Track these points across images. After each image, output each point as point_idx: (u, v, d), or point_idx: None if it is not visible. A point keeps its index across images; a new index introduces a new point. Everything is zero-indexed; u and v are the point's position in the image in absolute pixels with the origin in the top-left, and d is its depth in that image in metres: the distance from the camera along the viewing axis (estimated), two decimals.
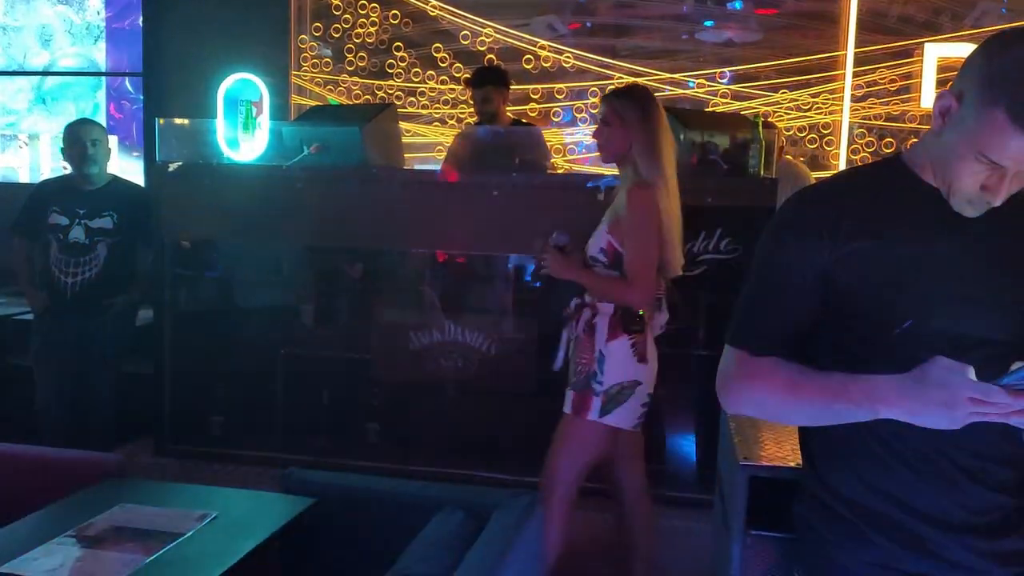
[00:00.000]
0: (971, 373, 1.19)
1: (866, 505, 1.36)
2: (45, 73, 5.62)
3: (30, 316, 4.14)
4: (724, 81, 5.26)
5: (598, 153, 2.75)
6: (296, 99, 5.41)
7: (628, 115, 2.62)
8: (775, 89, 5.17)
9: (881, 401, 1.25)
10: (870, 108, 5.06)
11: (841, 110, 5.07)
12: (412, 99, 5.56)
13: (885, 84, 5.03)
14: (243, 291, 4.09)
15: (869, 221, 1.35)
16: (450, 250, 3.77)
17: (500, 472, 3.48)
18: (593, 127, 2.76)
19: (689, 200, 2.79)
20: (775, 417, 1.45)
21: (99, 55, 5.55)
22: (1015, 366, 1.16)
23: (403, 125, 5.37)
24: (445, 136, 5.41)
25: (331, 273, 4.10)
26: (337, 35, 5.53)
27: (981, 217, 1.31)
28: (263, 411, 3.95)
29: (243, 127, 3.80)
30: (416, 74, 5.55)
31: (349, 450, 3.74)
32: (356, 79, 5.53)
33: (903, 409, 1.24)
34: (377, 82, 5.56)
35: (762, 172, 3.30)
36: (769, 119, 4.52)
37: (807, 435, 1.48)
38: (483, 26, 5.45)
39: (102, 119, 5.30)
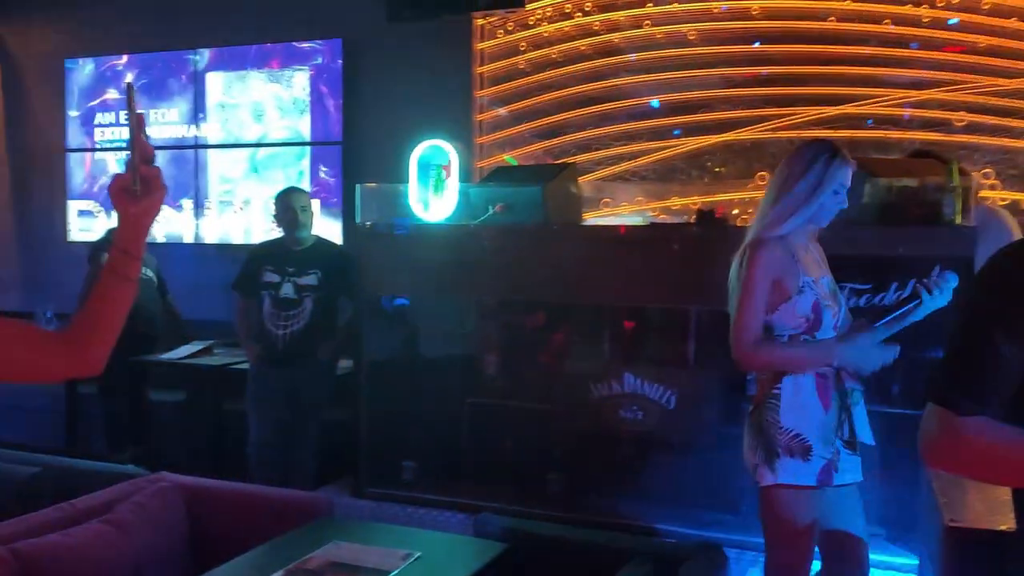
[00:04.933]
0: None
1: None
2: (258, 145, 6.22)
3: (246, 366, 4.56)
4: (906, 118, 5.09)
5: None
6: (480, 163, 5.71)
7: None
8: (969, 131, 4.95)
9: None
10: None
11: None
12: (588, 156, 5.72)
13: None
14: (433, 343, 4.33)
15: None
16: (629, 303, 3.85)
17: (681, 526, 3.47)
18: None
19: (878, 250, 2.73)
20: (981, 477, 1.42)
21: (303, 127, 6.08)
22: None
23: (582, 180, 5.54)
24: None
25: (514, 325, 4.27)
26: (519, 97, 5.79)
27: None
28: (451, 457, 4.14)
29: (434, 189, 4.07)
30: (594, 131, 5.71)
31: (531, 498, 3.84)
32: (536, 143, 5.77)
33: None
34: (556, 141, 5.77)
35: (959, 220, 3.17)
36: (963, 163, 4.31)
37: (1016, 495, 1.44)
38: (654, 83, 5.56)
39: (306, 185, 5.79)
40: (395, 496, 4.12)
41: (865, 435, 2.39)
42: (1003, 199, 4.78)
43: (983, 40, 4.94)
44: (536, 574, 2.54)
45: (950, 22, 5.04)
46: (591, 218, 5.53)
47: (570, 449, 3.95)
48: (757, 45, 5.53)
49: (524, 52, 5.77)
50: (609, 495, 3.77)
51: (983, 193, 4.55)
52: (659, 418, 3.72)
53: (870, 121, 5.20)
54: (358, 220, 4.22)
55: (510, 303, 4.18)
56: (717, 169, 5.55)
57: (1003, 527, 1.59)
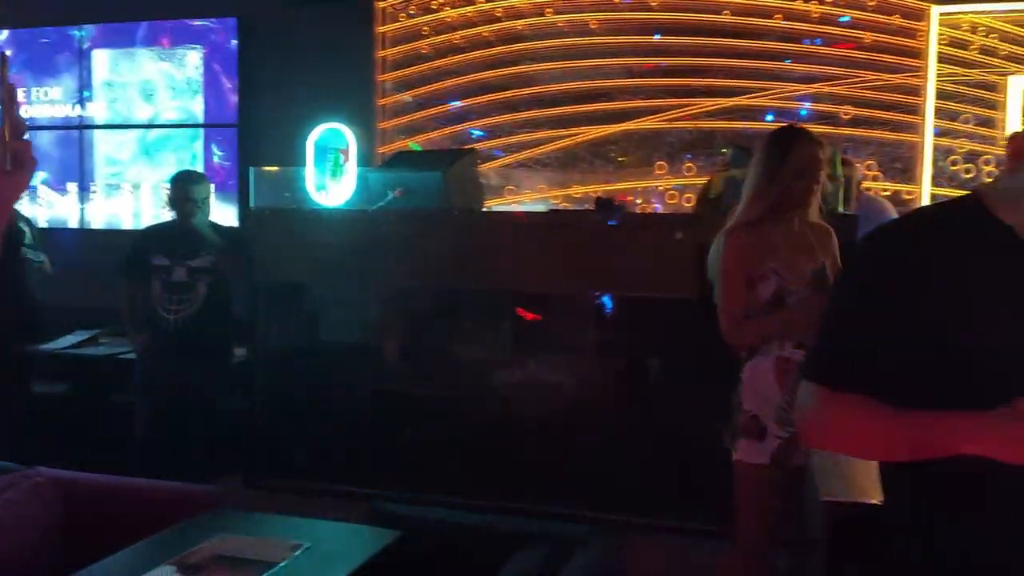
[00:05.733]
0: None
1: (942, 538, 1.37)
2: (148, 126, 5.97)
3: (131, 355, 4.38)
4: (802, 115, 5.26)
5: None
6: (382, 148, 5.62)
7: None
8: (854, 124, 5.15)
9: (962, 437, 1.27)
10: (952, 141, 4.99)
11: (922, 145, 5.01)
12: (493, 142, 5.71)
13: (968, 119, 4.96)
14: (332, 330, 4.25)
15: (946, 259, 1.36)
16: (530, 289, 3.85)
17: (582, 509, 3.50)
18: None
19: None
20: (854, 452, 1.46)
21: (197, 108, 5.87)
22: None
23: (486, 167, 5.53)
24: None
25: (415, 311, 4.23)
26: (422, 82, 5.73)
27: None
28: (350, 446, 4.07)
29: (332, 174, 3.98)
30: (497, 118, 5.70)
31: (433, 484, 3.81)
32: (440, 128, 5.72)
33: (983, 445, 1.25)
34: (460, 127, 5.73)
35: (841, 208, 3.29)
36: (847, 156, 4.48)
37: (888, 470, 1.49)
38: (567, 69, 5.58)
39: (200, 168, 5.59)
40: (291, 486, 4.03)
41: None
42: (885, 190, 5.00)
43: (868, 36, 5.15)
44: (431, 560, 2.52)
45: (841, 19, 5.22)
46: (495, 205, 5.53)
47: (472, 435, 3.93)
48: (657, 37, 5.61)
49: (427, 37, 5.71)
50: (511, 481, 3.77)
51: (866, 184, 4.73)
52: (560, 403, 3.74)
53: (771, 115, 5.35)
54: (252, 204, 4.10)
55: (411, 289, 4.13)
56: (621, 159, 5.62)
57: (875, 501, 1.65)
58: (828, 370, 1.44)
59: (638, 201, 5.45)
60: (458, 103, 5.71)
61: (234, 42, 5.72)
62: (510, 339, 3.97)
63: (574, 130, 5.62)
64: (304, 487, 3.98)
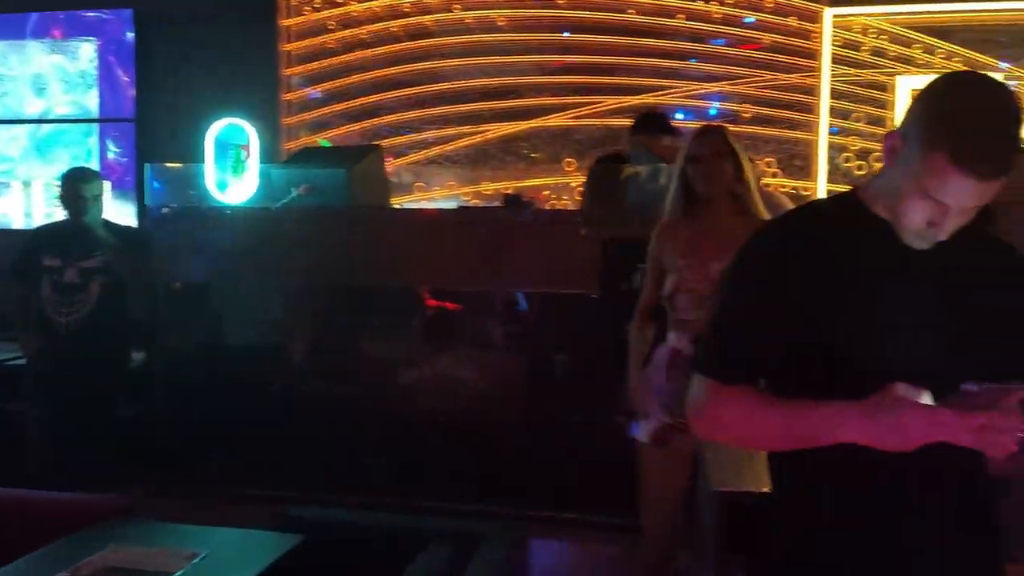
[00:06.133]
0: (925, 397, 1.25)
1: (825, 524, 1.41)
2: (40, 121, 5.71)
3: (23, 361, 4.18)
4: (712, 114, 5.38)
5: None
6: (289, 144, 5.52)
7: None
8: (755, 123, 5.30)
9: (840, 426, 1.31)
10: (845, 139, 5.19)
11: (817, 143, 5.19)
12: (402, 139, 5.66)
13: (860, 117, 5.16)
14: (237, 331, 4.15)
15: (827, 252, 1.41)
16: (438, 286, 3.84)
17: (495, 505, 3.50)
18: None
19: None
20: (742, 442, 1.50)
21: (91, 102, 5.64)
22: (964, 388, 1.23)
23: (395, 163, 5.48)
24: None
25: (322, 311, 4.16)
26: (328, 77, 5.64)
27: (931, 249, 1.38)
28: (258, 449, 3.98)
29: (233, 171, 3.88)
30: (406, 114, 5.65)
31: (346, 486, 3.76)
32: (350, 124, 5.64)
33: (860, 433, 1.29)
34: (368, 123, 5.66)
35: None
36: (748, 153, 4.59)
37: (774, 459, 1.54)
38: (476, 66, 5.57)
39: (94, 165, 5.38)
40: (196, 492, 3.91)
41: None
42: (783, 187, 5.15)
43: (767, 37, 5.30)
44: (336, 563, 2.48)
45: (743, 20, 5.36)
46: (405, 202, 5.49)
47: (382, 434, 3.90)
48: (567, 35, 5.66)
49: (333, 31, 5.62)
50: (421, 479, 3.75)
51: (765, 180, 4.86)
52: (469, 400, 3.74)
53: (681, 112, 5.45)
54: (148, 202, 3.96)
55: (317, 288, 4.06)
56: (534, 155, 5.64)
57: (765, 490, 1.69)
58: (716, 363, 1.48)
59: (551, 196, 5.50)
60: (366, 99, 5.65)
61: (130, 34, 5.52)
62: (418, 336, 3.95)
63: (483, 127, 5.62)
64: (214, 493, 3.87)
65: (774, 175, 5.23)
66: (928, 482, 1.37)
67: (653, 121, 3.85)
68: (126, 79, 5.56)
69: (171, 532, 2.66)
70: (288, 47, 5.62)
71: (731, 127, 5.30)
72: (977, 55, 5.11)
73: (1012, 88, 1.33)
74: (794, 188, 5.20)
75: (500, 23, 5.60)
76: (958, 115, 1.27)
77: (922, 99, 1.34)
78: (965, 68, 5.09)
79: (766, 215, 2.52)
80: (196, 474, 3.95)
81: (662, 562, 2.64)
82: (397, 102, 5.67)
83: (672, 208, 2.60)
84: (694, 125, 5.36)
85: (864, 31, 5.17)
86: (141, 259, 3.97)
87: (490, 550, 2.24)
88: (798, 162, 5.32)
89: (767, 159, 5.23)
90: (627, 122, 5.63)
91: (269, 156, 5.04)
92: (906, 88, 5.09)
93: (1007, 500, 1.53)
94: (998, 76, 5.15)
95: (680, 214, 2.58)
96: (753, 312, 1.45)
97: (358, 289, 3.97)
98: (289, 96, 5.62)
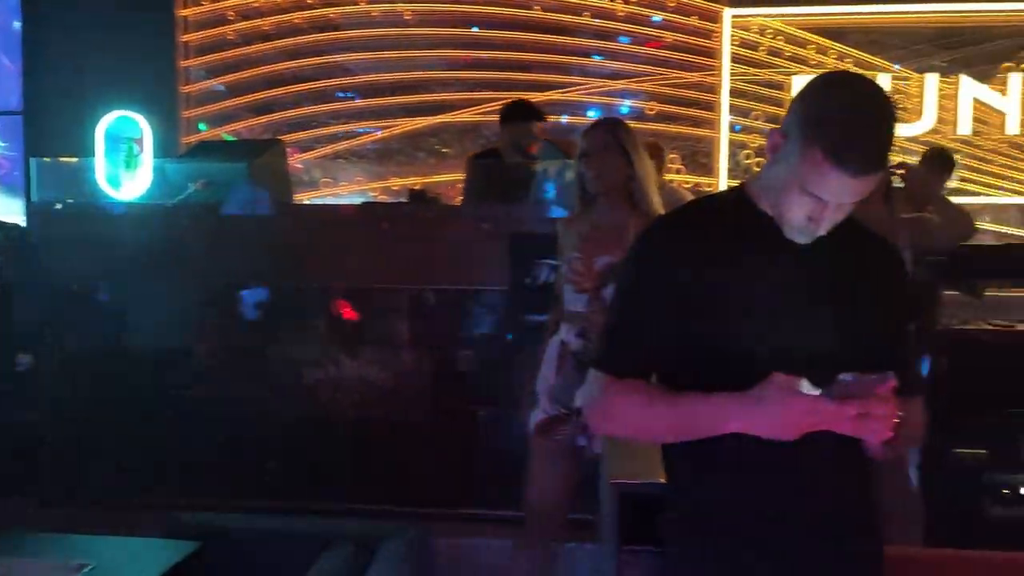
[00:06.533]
0: (805, 387, 1.29)
1: (717, 512, 1.44)
2: None
3: None
4: (624, 111, 5.46)
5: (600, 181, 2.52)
6: (188, 138, 5.35)
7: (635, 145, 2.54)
8: (659, 120, 5.40)
9: (725, 418, 1.34)
10: (746, 136, 5.33)
11: (718, 140, 5.32)
12: (308, 133, 5.56)
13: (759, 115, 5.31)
14: (129, 333, 3.99)
15: (714, 247, 1.44)
16: (343, 283, 3.77)
17: (399, 504, 3.47)
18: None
19: None
20: (636, 435, 1.52)
21: None
22: (840, 378, 1.27)
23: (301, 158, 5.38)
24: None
25: (221, 311, 4.04)
26: (229, 69, 5.49)
27: (812, 243, 1.42)
28: (155, 455, 3.84)
29: (125, 165, 3.73)
30: (312, 108, 5.55)
31: (245, 490, 3.66)
32: (251, 117, 5.50)
33: (744, 424, 1.33)
34: (272, 116, 5.54)
35: None
36: (652, 149, 4.67)
37: (667, 450, 1.56)
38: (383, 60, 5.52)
39: None
40: (89, 502, 3.75)
41: None
42: (687, 183, 5.26)
43: (669, 36, 5.40)
44: (233, 570, 2.41)
45: (647, 19, 5.45)
46: (311, 198, 5.40)
47: (287, 436, 3.80)
48: (476, 30, 5.65)
49: (233, 22, 5.47)
50: (326, 481, 3.68)
51: (669, 176, 4.96)
52: (374, 399, 3.69)
53: (591, 109, 5.51)
54: (34, 198, 3.78)
55: (216, 288, 3.94)
56: (443, 151, 5.62)
57: (660, 480, 1.72)
58: (610, 357, 1.49)
59: (459, 192, 5.47)
60: (270, 92, 5.52)
61: (17, 23, 5.27)
62: (322, 336, 3.87)
63: (391, 122, 5.57)
64: (106, 502, 3.71)
65: (678, 171, 5.34)
66: (812, 468, 1.41)
67: (521, 110, 3.85)
68: (13, 69, 5.30)
69: (57, 543, 2.54)
70: (187, 38, 5.45)
71: (637, 124, 5.43)
72: (868, 56, 5.32)
73: (887, 88, 1.38)
74: (696, 184, 5.32)
75: (407, 17, 5.55)
76: (834, 114, 1.31)
77: (801, 98, 1.37)
78: (855, 68, 5.32)
79: (660, 210, 2.49)
80: (85, 481, 3.78)
81: (543, 550, 2.66)
82: (302, 96, 5.57)
83: (573, 203, 2.61)
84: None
85: (761, 31, 5.32)
86: (27, 258, 3.79)
87: (392, 550, 2.21)
88: (701, 159, 5.44)
89: (672, 155, 5.33)
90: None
91: (167, 150, 4.88)
92: (801, 87, 5.26)
93: (887, 485, 1.60)
94: (888, 77, 5.40)
95: (579, 209, 2.58)
96: (643, 306, 1.47)
97: (260, 289, 3.87)
98: (188, 88, 5.45)
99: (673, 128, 5.40)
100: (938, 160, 3.52)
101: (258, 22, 5.49)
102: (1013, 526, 2.90)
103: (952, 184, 5.44)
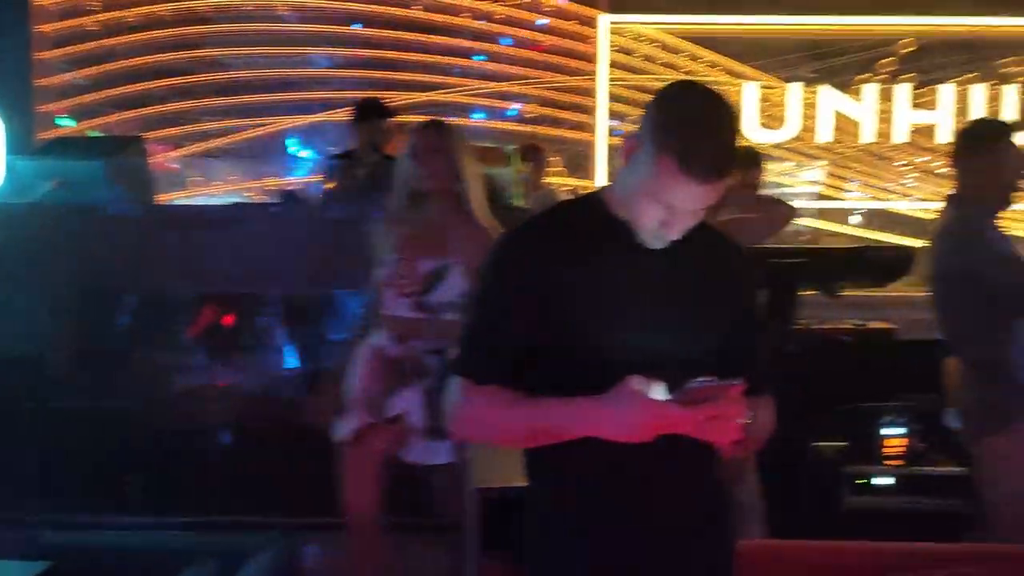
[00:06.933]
0: (657, 391, 1.31)
1: (572, 514, 1.45)
2: None
3: None
4: (513, 114, 5.49)
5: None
6: (45, 133, 5.05)
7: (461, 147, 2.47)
8: (539, 123, 5.45)
9: (579, 423, 1.35)
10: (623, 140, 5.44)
11: (596, 143, 5.42)
12: (177, 129, 5.35)
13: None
14: None
15: (570, 253, 1.45)
16: (209, 288, 3.64)
17: (268, 515, 3.36)
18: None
19: None
20: (496, 440, 1.52)
21: None
22: (689, 384, 1.29)
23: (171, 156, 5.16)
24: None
25: (81, 317, 3.83)
26: (93, 62, 5.23)
27: (667, 248, 1.44)
28: (9, 472, 3.60)
29: None
30: (183, 104, 5.35)
31: (108, 505, 3.48)
32: (115, 112, 5.25)
33: (598, 428, 1.34)
34: (139, 111, 5.30)
35: (517, 203, 3.43)
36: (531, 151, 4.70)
37: (527, 454, 1.56)
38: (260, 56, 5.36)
39: None
40: None
41: (416, 421, 2.37)
42: (566, 185, 5.33)
43: (548, 40, 5.46)
44: None
45: (527, 23, 5.50)
46: (180, 198, 5.20)
47: (150, 448, 3.63)
48: (359, 27, 5.57)
49: (95, 12, 5.21)
50: (190, 493, 3.53)
51: (548, 180, 5.00)
52: (248, 407, 3.57)
53: (477, 111, 5.51)
54: None
55: (79, 293, 3.73)
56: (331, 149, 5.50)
57: (521, 484, 1.72)
58: (468, 363, 1.48)
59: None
60: (137, 85, 5.28)
61: None
62: (185, 343, 3.72)
63: (268, 119, 5.42)
64: None
65: (559, 174, 5.40)
66: (664, 469, 1.44)
67: (375, 108, 3.82)
68: None
69: None
70: (43, 28, 5.14)
71: (518, 127, 5.47)
72: (738, 64, 5.53)
73: (727, 97, 1.42)
74: (577, 187, 5.39)
75: (281, 11, 5.41)
76: (683, 123, 1.34)
77: (653, 107, 1.40)
78: (726, 75, 5.52)
79: (486, 215, 2.43)
80: None
81: (367, 560, 2.53)
82: (171, 90, 5.35)
83: (394, 202, 2.50)
84: (495, 125, 5.48)
85: (638, 38, 5.45)
86: None
87: (258, 563, 2.14)
88: (582, 162, 5.52)
89: (552, 158, 5.39)
90: (418, 118, 5.65)
91: (20, 146, 4.60)
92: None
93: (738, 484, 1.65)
94: (756, 85, 5.62)
95: (402, 209, 2.48)
96: (500, 311, 1.47)
97: (117, 294, 3.69)
98: (45, 81, 5.15)
99: (554, 131, 5.47)
100: (746, 158, 3.61)
101: (122, 13, 5.24)
102: (869, 516, 3.04)
103: (803, 187, 5.75)
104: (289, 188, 4.23)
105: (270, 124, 5.41)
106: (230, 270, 3.48)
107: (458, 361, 1.51)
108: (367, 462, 2.43)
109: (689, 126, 1.34)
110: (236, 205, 4.31)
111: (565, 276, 1.44)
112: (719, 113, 1.37)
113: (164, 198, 5.21)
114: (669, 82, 1.48)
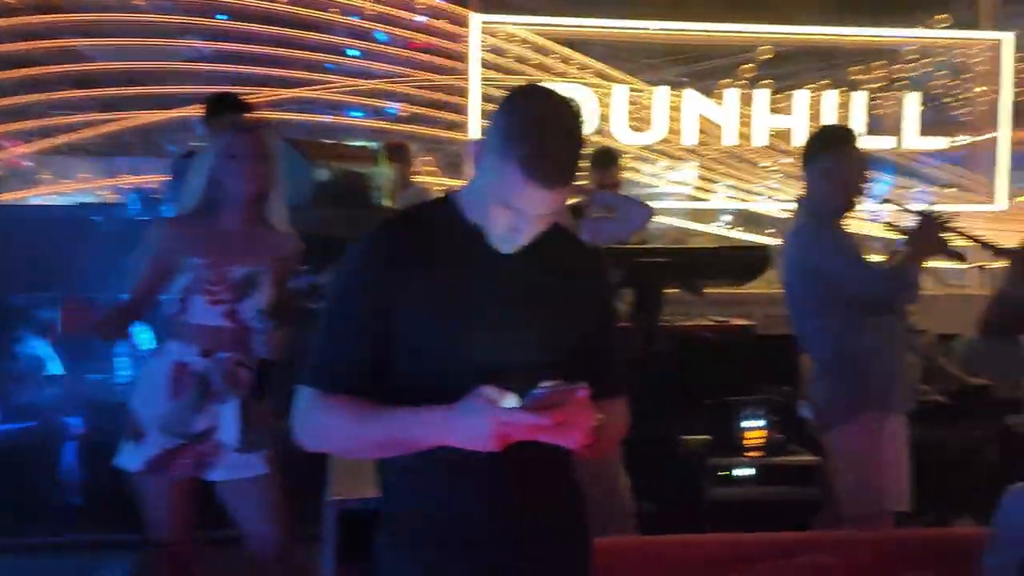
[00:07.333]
0: (507, 400, 1.29)
1: (425, 523, 1.43)
2: None
3: None
4: (392, 113, 5.41)
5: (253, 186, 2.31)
6: None
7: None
8: (411, 122, 5.39)
9: (431, 432, 1.33)
10: None
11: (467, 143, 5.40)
12: (24, 123, 5.03)
13: None
14: None
15: (419, 257, 1.42)
16: (55, 292, 3.41)
17: (125, 532, 3.17)
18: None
19: (321, 232, 2.71)
20: (347, 451, 1.47)
21: None
22: (534, 391, 1.28)
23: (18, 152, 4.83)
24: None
25: None
26: None
27: (519, 252, 1.43)
28: None
29: None
30: (30, 97, 5.03)
31: None
32: None
33: (450, 437, 1.31)
34: None
35: (388, 203, 3.38)
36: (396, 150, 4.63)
37: (380, 465, 1.52)
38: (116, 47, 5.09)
39: None
40: None
41: (228, 436, 2.25)
42: (439, 184, 5.30)
43: (420, 38, 5.41)
44: None
45: (409, 20, 5.43)
46: (26, 197, 4.90)
47: None
48: (224, 19, 5.37)
49: None
50: (46, 511, 3.31)
51: (421, 179, 4.95)
52: (98, 417, 3.36)
53: (355, 109, 5.39)
54: None
55: None
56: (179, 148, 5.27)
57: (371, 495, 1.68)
58: (317, 372, 1.43)
59: None
60: None
61: None
62: (38, 351, 3.48)
63: (124, 114, 5.14)
64: None
65: (431, 174, 5.36)
66: (517, 476, 1.42)
67: (226, 104, 3.63)
68: None
69: None
70: None
71: (391, 126, 5.38)
72: (607, 67, 5.62)
73: (575, 102, 1.42)
74: (450, 187, 5.36)
75: (138, 2, 5.16)
76: (528, 129, 1.33)
77: (499, 111, 1.38)
78: (595, 78, 5.61)
79: (285, 226, 2.36)
80: None
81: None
82: (16, 83, 5.01)
83: (193, 202, 2.29)
84: (372, 124, 5.37)
85: (509, 39, 5.46)
86: None
87: None
88: (457, 162, 5.50)
89: (425, 157, 5.34)
90: (286, 115, 5.49)
91: None
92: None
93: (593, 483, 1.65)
94: (625, 88, 5.72)
95: (202, 210, 2.29)
96: (351, 319, 1.43)
97: None
98: None
99: (430, 131, 5.42)
100: (602, 158, 3.69)
101: None
102: (732, 507, 3.13)
103: (672, 187, 5.91)
104: (142, 187, 4.01)
105: (127, 119, 5.15)
106: (78, 273, 3.27)
107: (306, 371, 1.46)
108: (170, 490, 2.27)
109: (534, 131, 1.33)
110: (82, 205, 4.06)
111: (415, 281, 1.41)
112: (564, 117, 1.37)
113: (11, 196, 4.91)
114: (517, 86, 1.47)
